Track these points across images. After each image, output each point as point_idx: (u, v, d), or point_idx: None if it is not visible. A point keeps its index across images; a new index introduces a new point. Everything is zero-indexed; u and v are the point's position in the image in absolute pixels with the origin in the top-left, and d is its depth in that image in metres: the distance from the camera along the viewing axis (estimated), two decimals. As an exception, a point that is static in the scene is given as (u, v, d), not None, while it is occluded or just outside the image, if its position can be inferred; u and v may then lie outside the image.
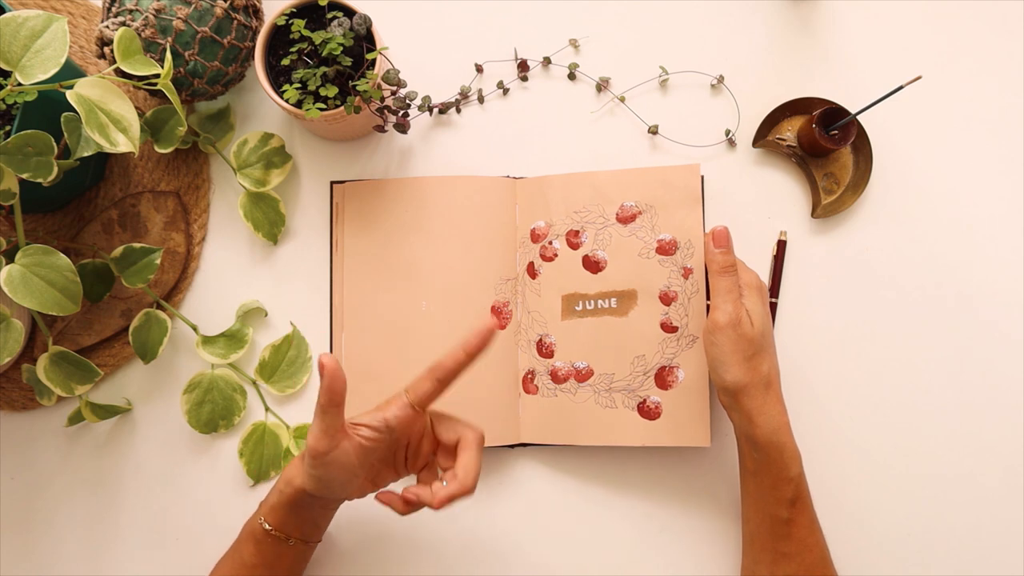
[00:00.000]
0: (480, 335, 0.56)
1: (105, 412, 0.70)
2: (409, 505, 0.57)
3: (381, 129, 0.71)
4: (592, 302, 0.69)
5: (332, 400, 0.54)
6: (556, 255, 0.71)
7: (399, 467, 0.60)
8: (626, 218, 0.69)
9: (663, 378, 0.68)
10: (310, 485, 0.57)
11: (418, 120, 0.76)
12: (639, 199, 0.69)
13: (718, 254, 0.62)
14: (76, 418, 0.71)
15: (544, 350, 0.70)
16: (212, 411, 0.71)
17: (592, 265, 0.70)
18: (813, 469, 0.71)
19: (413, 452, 0.60)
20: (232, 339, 0.72)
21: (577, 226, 0.70)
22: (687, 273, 0.68)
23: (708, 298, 0.69)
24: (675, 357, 0.68)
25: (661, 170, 0.69)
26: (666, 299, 0.68)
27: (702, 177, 0.74)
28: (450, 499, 0.56)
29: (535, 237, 0.72)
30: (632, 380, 0.68)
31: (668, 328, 0.68)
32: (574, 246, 0.70)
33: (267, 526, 0.60)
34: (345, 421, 0.56)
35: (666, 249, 0.68)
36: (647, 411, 0.68)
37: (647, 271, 0.69)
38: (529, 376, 0.71)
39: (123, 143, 0.57)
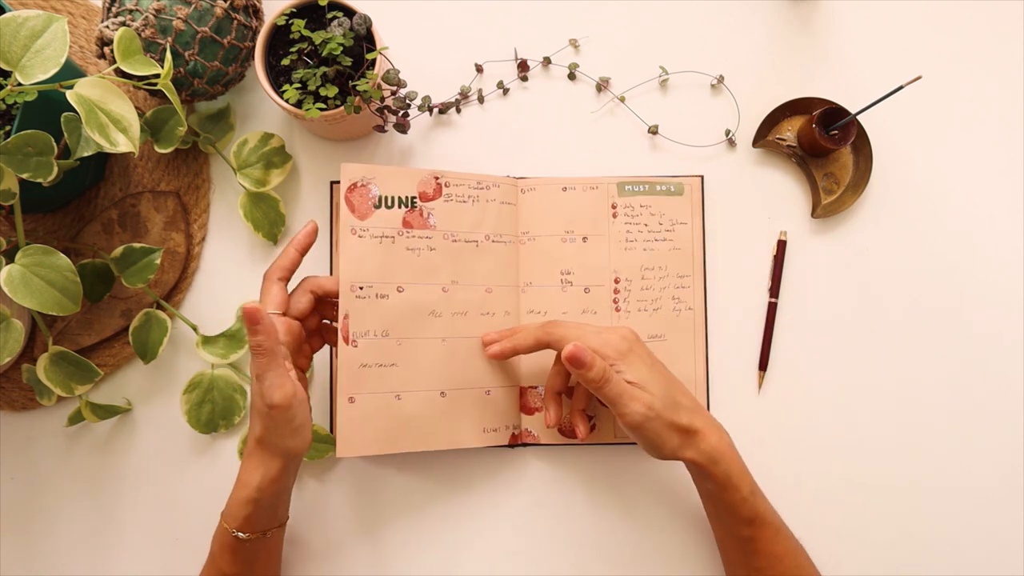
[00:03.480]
0: (307, 233, 0.63)
1: (105, 412, 0.70)
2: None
3: (381, 129, 0.71)
4: None
5: (274, 339, 0.56)
6: None
7: (299, 377, 0.62)
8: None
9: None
10: (294, 443, 0.58)
11: (418, 120, 0.76)
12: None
13: (588, 372, 0.57)
14: (76, 418, 0.71)
15: None
16: (212, 411, 0.71)
17: None
18: (812, 469, 0.71)
19: (295, 350, 0.62)
20: (232, 339, 0.72)
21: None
22: None
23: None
24: None
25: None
26: None
27: (702, 178, 0.74)
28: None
29: None
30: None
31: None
32: None
33: (242, 535, 0.60)
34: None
35: None
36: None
37: None
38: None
39: (123, 143, 0.57)
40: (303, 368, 0.64)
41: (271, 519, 0.61)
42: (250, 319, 0.55)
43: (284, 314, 0.61)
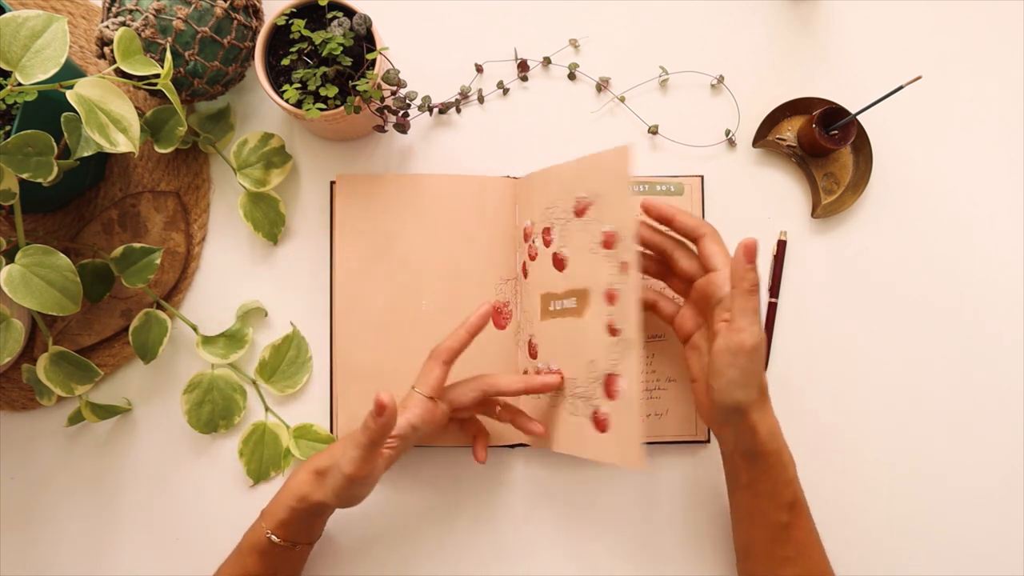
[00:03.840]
0: (481, 316, 0.63)
1: (105, 412, 0.70)
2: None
3: (381, 129, 0.71)
4: (560, 302, 0.66)
5: (384, 435, 0.55)
6: (538, 254, 0.70)
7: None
8: (580, 210, 0.64)
9: (609, 386, 0.61)
10: (337, 502, 0.59)
11: (418, 120, 0.76)
12: (588, 189, 0.63)
13: (750, 271, 0.57)
14: (76, 418, 0.71)
15: (532, 350, 0.70)
16: (212, 411, 0.71)
17: (559, 263, 0.67)
18: (811, 470, 0.71)
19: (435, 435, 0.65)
20: (232, 339, 0.72)
21: (548, 222, 0.68)
22: (624, 268, 0.60)
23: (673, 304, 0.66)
24: (618, 364, 0.60)
25: (596, 156, 0.63)
26: (610, 298, 0.61)
27: (702, 178, 0.74)
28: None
29: (525, 236, 0.72)
30: (588, 387, 0.63)
31: (612, 331, 0.61)
32: (547, 243, 0.68)
33: (275, 539, 0.60)
34: None
35: (609, 242, 0.61)
36: (599, 422, 0.62)
37: (595, 267, 0.62)
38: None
39: (123, 143, 0.57)
40: (434, 431, 0.64)
41: (304, 534, 0.62)
42: (377, 410, 0.54)
43: (435, 397, 0.61)
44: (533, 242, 0.70)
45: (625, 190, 0.60)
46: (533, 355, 0.70)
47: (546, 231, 0.68)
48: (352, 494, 0.59)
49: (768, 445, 0.58)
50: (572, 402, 0.65)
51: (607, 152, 0.61)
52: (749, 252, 0.57)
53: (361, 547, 0.71)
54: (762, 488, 0.60)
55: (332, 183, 0.74)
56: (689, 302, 0.64)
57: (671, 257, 0.64)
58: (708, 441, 0.71)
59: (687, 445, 0.71)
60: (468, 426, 0.68)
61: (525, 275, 0.71)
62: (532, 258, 0.70)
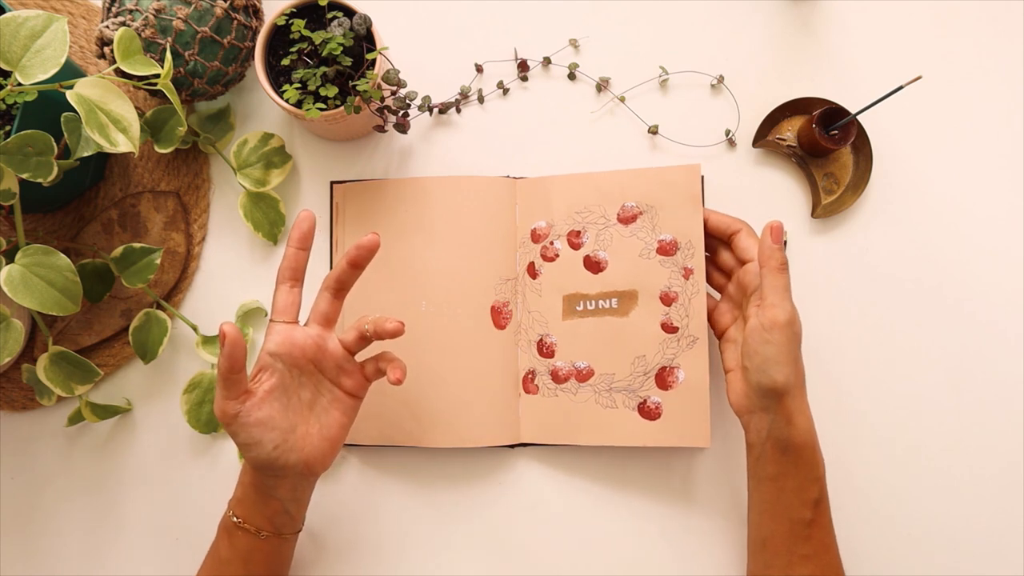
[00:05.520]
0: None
1: (105, 412, 0.70)
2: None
3: (381, 129, 0.71)
4: (593, 302, 0.70)
5: (233, 367, 0.55)
6: (557, 255, 0.71)
7: (338, 398, 0.61)
8: (627, 219, 0.70)
9: (663, 378, 0.68)
10: (246, 456, 0.58)
11: (418, 120, 0.76)
12: (640, 200, 0.69)
13: (777, 251, 0.59)
14: (76, 418, 0.71)
15: (545, 350, 0.70)
16: (212, 411, 0.71)
17: (593, 265, 0.70)
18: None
19: (335, 369, 0.61)
20: (232, 339, 0.72)
21: (578, 226, 0.71)
22: (687, 274, 0.68)
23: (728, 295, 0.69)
24: (675, 358, 0.68)
25: (661, 171, 0.69)
26: (667, 299, 0.68)
27: (702, 177, 0.74)
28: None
29: (536, 237, 0.72)
30: (633, 380, 0.68)
31: (669, 328, 0.68)
32: (575, 246, 0.71)
33: (235, 518, 0.60)
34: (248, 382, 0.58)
35: (667, 250, 0.69)
36: (647, 411, 0.68)
37: (648, 271, 0.69)
38: (529, 376, 0.71)
39: (123, 143, 0.57)
40: (346, 390, 0.61)
41: (259, 514, 0.60)
42: (220, 341, 0.55)
43: (291, 322, 0.59)
44: (551, 243, 0.71)
45: (696, 204, 0.68)
46: (548, 355, 0.70)
47: (574, 234, 0.70)
48: (243, 441, 0.56)
49: (804, 437, 0.58)
50: (609, 396, 0.69)
51: (676, 168, 0.69)
52: (775, 233, 0.59)
53: (359, 547, 0.71)
54: (789, 482, 0.59)
55: (332, 183, 0.74)
56: (726, 296, 0.67)
57: (713, 250, 0.68)
58: (708, 446, 0.71)
59: (687, 450, 0.71)
60: (369, 364, 0.62)
61: (534, 276, 0.71)
62: (549, 259, 0.71)
